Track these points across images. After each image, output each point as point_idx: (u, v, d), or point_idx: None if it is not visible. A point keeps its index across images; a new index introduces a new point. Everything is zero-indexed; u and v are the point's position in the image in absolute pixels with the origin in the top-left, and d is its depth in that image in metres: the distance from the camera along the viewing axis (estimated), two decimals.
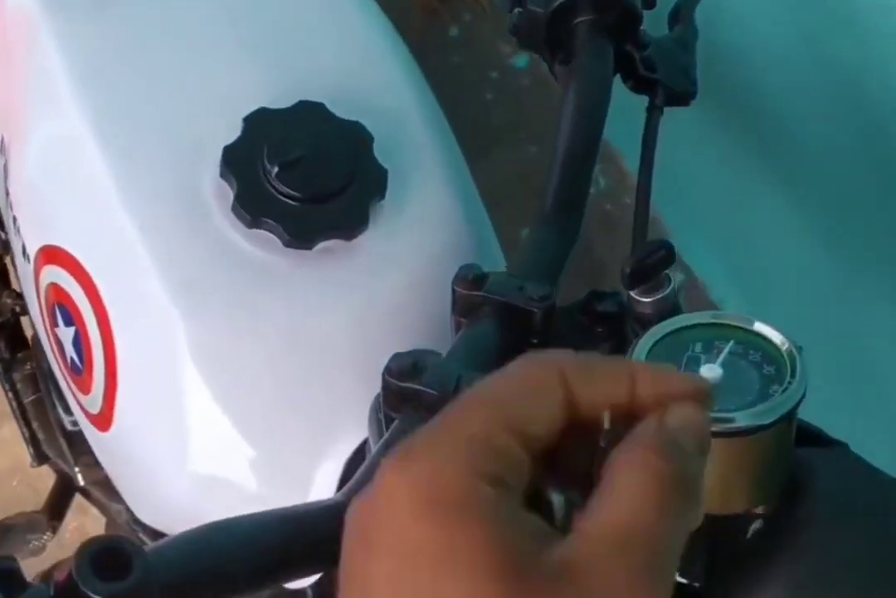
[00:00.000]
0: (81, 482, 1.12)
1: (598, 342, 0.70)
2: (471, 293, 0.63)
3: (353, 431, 0.68)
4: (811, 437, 0.70)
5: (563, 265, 0.67)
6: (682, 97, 0.74)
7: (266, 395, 0.70)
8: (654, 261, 0.63)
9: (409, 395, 0.57)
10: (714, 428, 0.54)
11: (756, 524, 0.59)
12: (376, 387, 0.58)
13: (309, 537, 0.50)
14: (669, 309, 0.65)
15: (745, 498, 0.57)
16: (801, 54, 1.12)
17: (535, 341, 0.64)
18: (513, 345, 0.63)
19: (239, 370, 0.70)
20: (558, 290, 0.69)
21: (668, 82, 0.73)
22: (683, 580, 0.55)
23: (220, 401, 0.70)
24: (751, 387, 0.56)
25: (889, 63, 1.03)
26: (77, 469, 1.06)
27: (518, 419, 0.36)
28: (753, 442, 0.54)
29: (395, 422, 0.58)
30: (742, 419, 0.54)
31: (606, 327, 0.70)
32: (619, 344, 0.68)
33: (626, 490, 0.37)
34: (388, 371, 0.58)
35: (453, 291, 0.63)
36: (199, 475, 0.71)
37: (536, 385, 0.38)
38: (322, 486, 0.71)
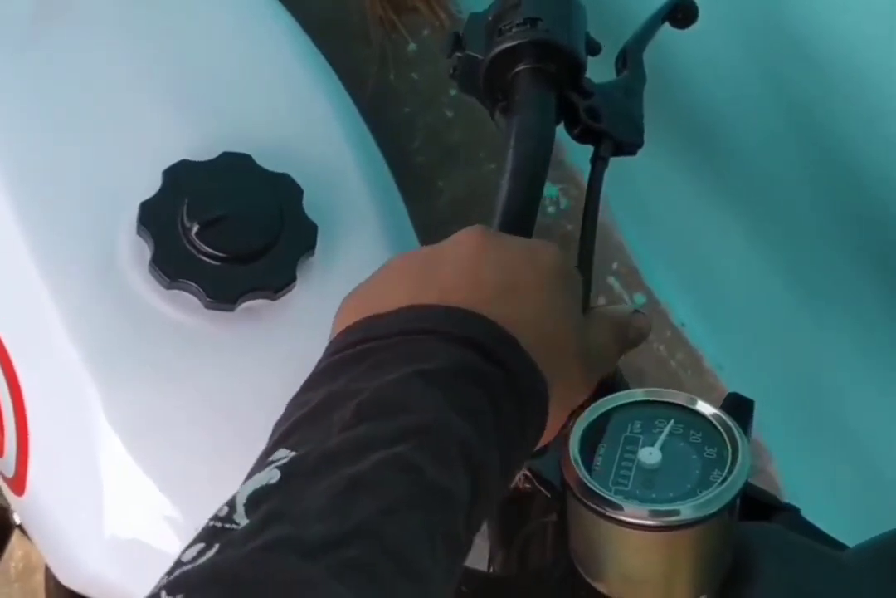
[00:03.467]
0: (17, 521, 1.09)
1: None
2: None
3: None
4: (760, 504, 0.67)
5: None
6: (628, 147, 0.71)
7: (188, 459, 0.67)
8: None
9: None
10: (656, 522, 0.51)
11: None
12: None
13: None
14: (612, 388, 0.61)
15: (689, 589, 0.54)
16: (757, 87, 1.10)
17: None
18: None
19: (158, 435, 0.66)
20: None
21: (613, 132, 0.70)
22: None
23: (140, 466, 0.66)
24: (691, 472, 0.53)
25: (844, 90, 1.00)
26: (13, 508, 1.03)
27: None
28: (696, 533, 0.51)
29: None
30: (685, 512, 0.50)
31: None
32: None
33: None
34: None
35: None
36: (116, 540, 0.68)
37: None
38: None
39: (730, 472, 0.52)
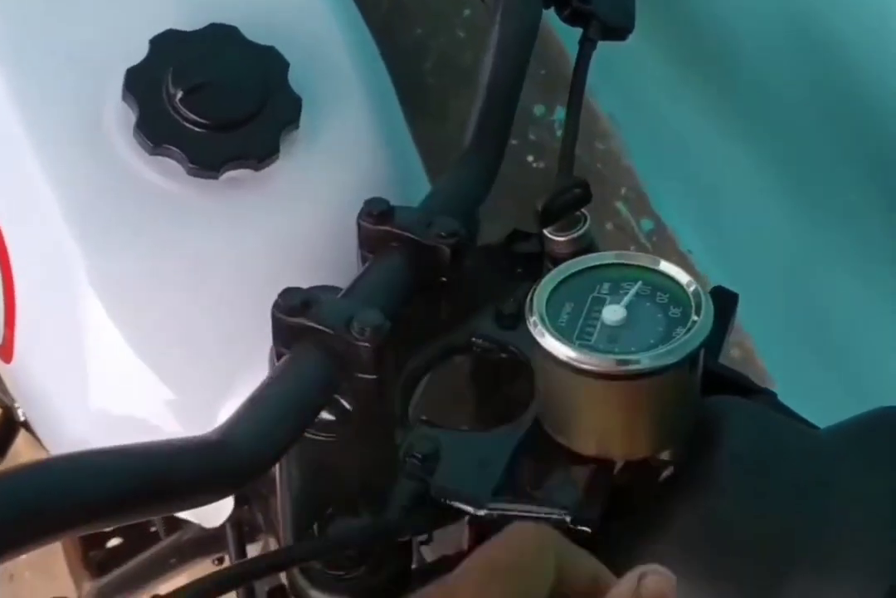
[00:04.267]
0: (21, 418, 1.11)
1: (518, 283, 0.67)
2: (376, 228, 0.60)
3: (260, 367, 0.65)
4: (737, 385, 0.68)
5: (479, 201, 0.64)
6: (617, 31, 0.71)
7: (170, 328, 0.68)
8: (568, 199, 0.61)
9: (298, 331, 0.55)
10: (616, 370, 0.52)
11: (666, 472, 0.57)
12: None
13: (175, 471, 0.48)
14: (585, 249, 0.62)
15: (649, 442, 0.55)
16: (778, 14, 1.09)
17: (444, 279, 0.61)
18: (421, 283, 0.60)
19: (141, 302, 0.67)
20: (478, 227, 0.67)
21: (603, 15, 0.70)
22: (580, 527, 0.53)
23: (123, 334, 0.67)
24: (655, 329, 0.54)
25: (862, 20, 1.00)
26: (17, 404, 1.05)
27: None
28: (656, 384, 0.52)
29: (283, 358, 0.55)
30: (645, 361, 0.51)
31: (526, 268, 0.67)
32: None
33: None
34: (276, 306, 0.55)
35: (359, 225, 0.61)
36: (101, 410, 0.69)
37: (533, 560, 0.39)
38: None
39: (692, 326, 0.53)
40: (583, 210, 0.62)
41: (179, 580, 0.98)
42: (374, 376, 0.55)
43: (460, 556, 0.56)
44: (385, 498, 0.55)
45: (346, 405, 0.56)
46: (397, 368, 0.60)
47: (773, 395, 0.68)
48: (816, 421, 0.61)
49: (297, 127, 0.67)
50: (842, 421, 0.62)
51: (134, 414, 0.69)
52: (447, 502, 0.55)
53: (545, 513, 0.53)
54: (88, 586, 1.05)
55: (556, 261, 0.62)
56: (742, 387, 0.67)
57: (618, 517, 0.55)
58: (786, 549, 0.52)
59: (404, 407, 0.60)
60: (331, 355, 0.54)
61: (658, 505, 0.55)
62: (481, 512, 0.54)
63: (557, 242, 0.62)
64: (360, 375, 0.55)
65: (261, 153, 0.65)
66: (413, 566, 0.58)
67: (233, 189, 0.67)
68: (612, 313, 0.54)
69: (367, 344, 0.54)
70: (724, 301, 0.73)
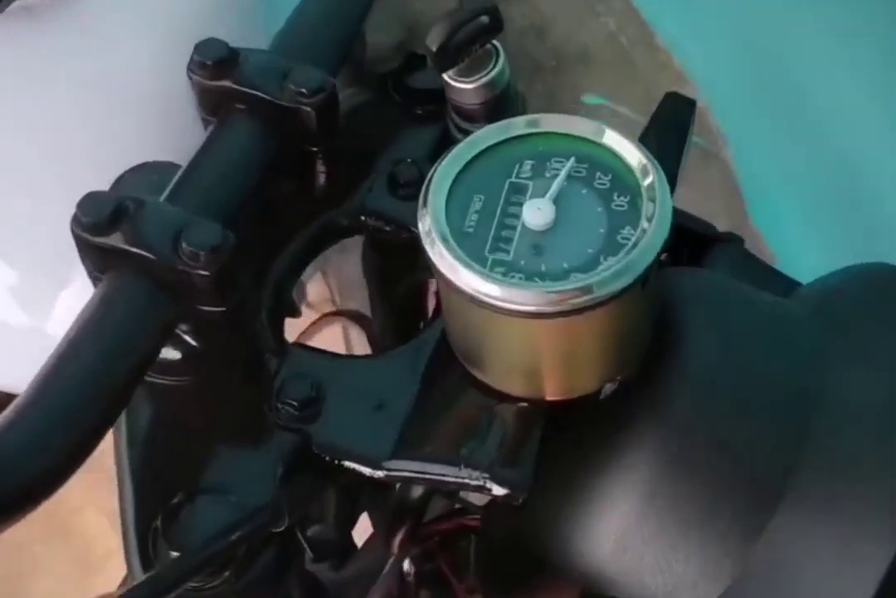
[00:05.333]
0: None
1: (418, 129, 0.52)
2: (211, 84, 0.44)
3: None
4: (694, 236, 0.55)
5: (352, 37, 0.48)
6: None
7: None
8: (470, 30, 0.44)
9: (110, 255, 0.40)
10: (546, 309, 0.38)
11: (608, 387, 0.44)
12: None
13: None
14: (500, 97, 0.46)
15: (593, 378, 0.42)
16: None
17: (314, 149, 0.46)
18: (283, 155, 0.45)
19: None
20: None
21: None
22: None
23: None
24: (594, 231, 0.39)
25: None
26: None
27: None
28: (601, 313, 0.38)
29: (95, 291, 0.41)
30: (584, 292, 0.37)
31: (427, 109, 0.51)
32: (444, 140, 0.50)
33: None
34: (75, 221, 0.40)
35: (190, 79, 0.45)
36: None
37: None
38: (63, 310, 0.56)
39: (644, 230, 0.38)
40: (494, 42, 0.45)
41: None
42: (221, 309, 0.41)
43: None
44: (254, 465, 0.42)
45: (191, 341, 0.42)
46: (260, 275, 0.46)
47: (739, 242, 0.56)
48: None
49: None
50: (820, 279, 0.50)
51: None
52: (335, 461, 0.42)
53: (461, 477, 0.41)
54: None
55: (465, 115, 0.47)
56: (704, 237, 0.55)
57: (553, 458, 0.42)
58: (763, 483, 0.40)
59: (276, 324, 0.46)
60: (157, 286, 0.40)
61: (597, 429, 0.42)
62: (379, 474, 0.42)
63: (461, 90, 0.46)
64: (202, 307, 0.41)
65: None
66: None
67: (23, 23, 0.49)
68: (537, 213, 0.39)
69: (203, 271, 0.39)
70: (679, 110, 0.59)
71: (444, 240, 0.38)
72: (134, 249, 0.39)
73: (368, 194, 0.48)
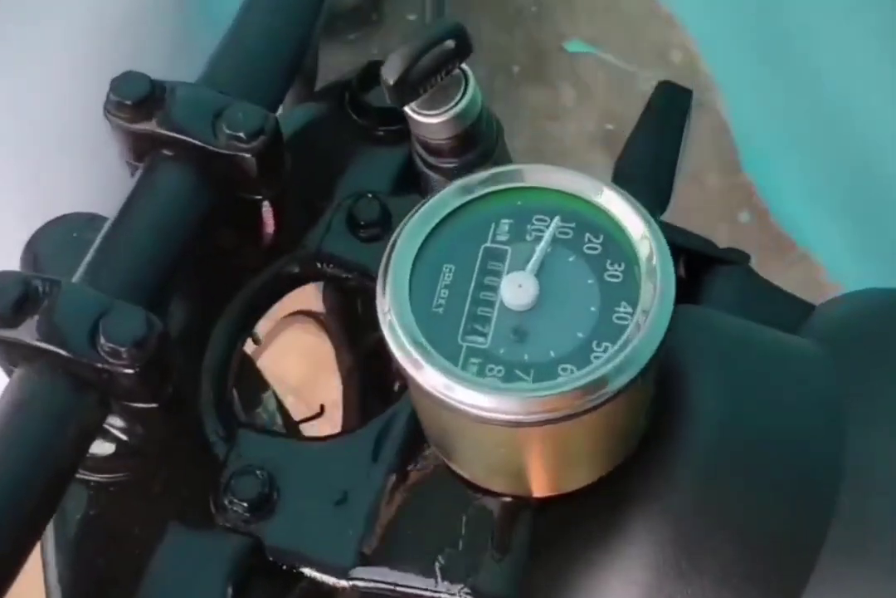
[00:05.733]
0: None
1: (378, 152, 0.45)
2: (134, 127, 0.38)
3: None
4: (701, 255, 0.49)
5: (298, 59, 0.41)
6: None
7: None
8: (433, 58, 0.38)
9: (19, 348, 0.34)
10: (532, 418, 0.32)
11: None
12: None
13: None
14: (472, 130, 0.40)
15: (590, 474, 0.36)
16: None
17: (258, 197, 0.40)
18: (221, 205, 0.39)
19: None
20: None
21: None
22: None
23: None
24: (584, 310, 0.33)
25: None
26: None
27: None
28: (593, 416, 0.32)
29: (11, 381, 0.35)
30: (574, 395, 0.31)
31: (389, 130, 0.45)
32: (409, 166, 0.43)
33: None
34: None
35: (108, 119, 0.38)
36: None
37: None
38: None
39: (645, 312, 0.32)
40: (463, 66, 0.39)
41: None
42: (152, 405, 0.35)
43: None
44: (202, 575, 0.36)
45: (122, 436, 0.37)
46: (200, 344, 0.40)
47: (744, 260, 0.50)
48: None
49: None
50: (832, 301, 0.44)
51: None
52: (292, 569, 0.37)
53: (438, 592, 0.35)
54: None
55: (431, 150, 0.40)
56: (708, 258, 0.49)
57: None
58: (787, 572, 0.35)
59: (221, 402, 0.40)
60: (77, 383, 0.34)
61: (594, 506, 0.37)
62: (343, 584, 0.36)
63: (426, 124, 0.39)
64: (129, 404, 0.35)
65: None
66: None
67: None
68: (517, 292, 0.33)
69: (126, 370, 0.33)
70: (676, 99, 0.53)
71: (407, 327, 0.32)
72: (45, 346, 0.33)
73: (325, 236, 0.42)
